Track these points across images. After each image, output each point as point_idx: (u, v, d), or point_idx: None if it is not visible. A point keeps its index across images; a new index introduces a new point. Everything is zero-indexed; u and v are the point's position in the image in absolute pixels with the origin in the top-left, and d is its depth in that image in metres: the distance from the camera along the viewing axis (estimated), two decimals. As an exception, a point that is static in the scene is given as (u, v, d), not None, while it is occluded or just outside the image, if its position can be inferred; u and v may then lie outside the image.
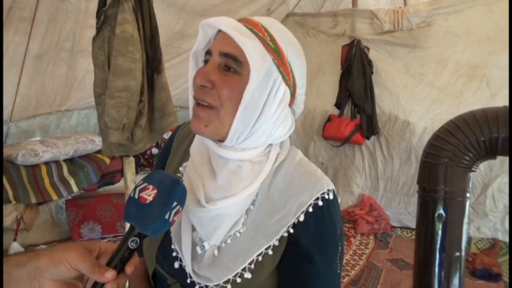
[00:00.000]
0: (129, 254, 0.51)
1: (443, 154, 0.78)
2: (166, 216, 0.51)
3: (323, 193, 0.67)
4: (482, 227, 3.07)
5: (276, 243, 0.66)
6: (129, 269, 0.52)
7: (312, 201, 0.66)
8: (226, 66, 0.64)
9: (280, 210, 0.67)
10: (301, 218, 0.66)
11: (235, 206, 0.66)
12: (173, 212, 0.51)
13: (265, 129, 0.66)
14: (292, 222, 0.66)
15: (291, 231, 0.66)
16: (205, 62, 0.67)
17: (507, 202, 2.97)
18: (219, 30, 0.66)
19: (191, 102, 0.70)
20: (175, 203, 0.52)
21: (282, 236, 0.66)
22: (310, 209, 0.66)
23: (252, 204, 0.69)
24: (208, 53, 0.67)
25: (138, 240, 0.51)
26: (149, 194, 0.51)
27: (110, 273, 0.48)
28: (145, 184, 0.52)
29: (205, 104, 0.64)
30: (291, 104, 0.71)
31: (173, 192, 0.52)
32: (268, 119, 0.65)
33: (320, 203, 0.66)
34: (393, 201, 3.56)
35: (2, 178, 2.40)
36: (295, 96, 0.70)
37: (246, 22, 0.66)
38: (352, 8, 3.75)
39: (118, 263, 0.51)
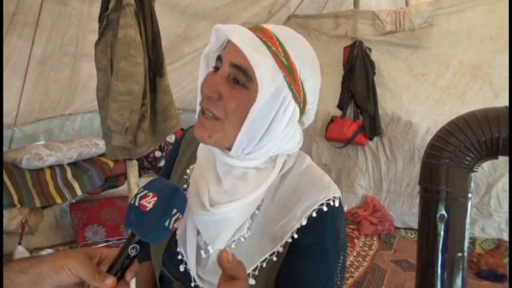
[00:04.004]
0: (130, 261, 0.52)
1: (445, 154, 0.78)
2: (166, 224, 0.51)
3: (328, 199, 0.65)
4: (487, 228, 3.05)
5: (280, 249, 0.65)
6: (129, 275, 0.52)
7: (316, 207, 0.65)
8: (235, 78, 0.61)
9: (286, 215, 0.66)
10: (304, 222, 0.64)
11: (240, 210, 0.65)
12: (173, 219, 0.52)
13: (273, 145, 0.64)
14: (296, 227, 0.64)
15: (295, 236, 0.65)
16: (216, 68, 0.65)
17: (512, 202, 2.95)
18: None
19: (198, 107, 0.69)
20: (175, 211, 0.52)
21: (286, 242, 0.65)
22: (314, 214, 0.64)
23: (258, 209, 0.68)
24: (219, 59, 0.64)
25: (139, 247, 0.52)
26: (149, 202, 0.51)
27: (110, 280, 0.49)
28: (145, 191, 0.53)
29: (210, 114, 0.63)
30: (299, 119, 0.69)
31: (173, 200, 0.52)
32: (276, 136, 0.63)
33: (325, 208, 0.65)
34: (397, 202, 3.55)
35: (2, 181, 2.41)
36: (304, 111, 0.68)
37: (261, 33, 0.62)
38: (353, 9, 3.75)
39: (118, 269, 0.51)
